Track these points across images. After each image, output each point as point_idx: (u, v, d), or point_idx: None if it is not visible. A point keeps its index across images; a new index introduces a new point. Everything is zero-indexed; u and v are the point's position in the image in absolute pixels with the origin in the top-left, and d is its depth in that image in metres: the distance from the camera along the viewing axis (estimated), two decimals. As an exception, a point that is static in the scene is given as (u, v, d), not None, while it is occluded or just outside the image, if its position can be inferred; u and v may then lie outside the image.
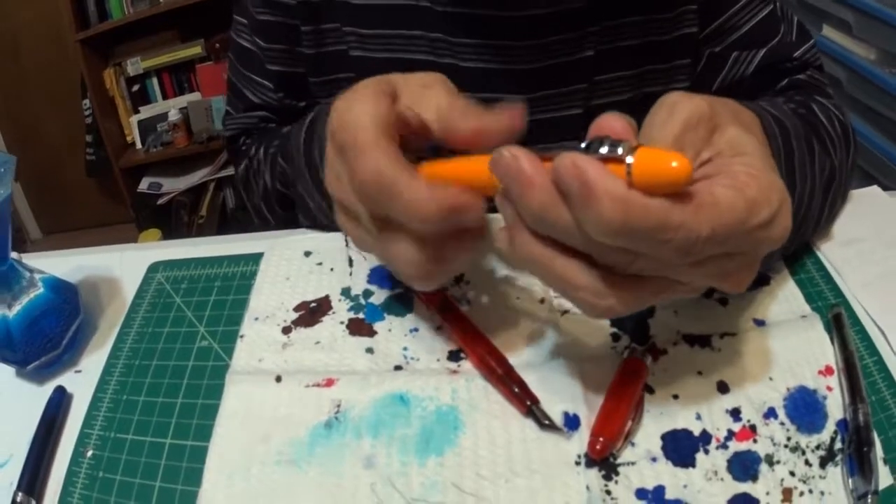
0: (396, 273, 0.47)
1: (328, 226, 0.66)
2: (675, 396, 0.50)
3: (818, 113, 0.66)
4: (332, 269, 0.62)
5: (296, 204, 0.70)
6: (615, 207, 0.34)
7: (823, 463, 0.46)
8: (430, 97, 0.47)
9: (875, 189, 0.69)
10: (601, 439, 0.46)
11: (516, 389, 0.49)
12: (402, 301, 0.59)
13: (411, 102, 0.47)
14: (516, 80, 0.73)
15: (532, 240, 0.40)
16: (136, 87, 2.82)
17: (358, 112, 0.44)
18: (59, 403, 0.55)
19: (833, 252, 0.61)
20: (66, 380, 0.58)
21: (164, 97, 2.88)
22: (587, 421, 0.48)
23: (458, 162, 0.44)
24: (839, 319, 0.54)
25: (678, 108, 0.40)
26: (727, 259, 0.39)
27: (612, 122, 0.39)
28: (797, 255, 0.60)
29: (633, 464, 0.46)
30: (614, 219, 0.34)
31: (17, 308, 0.57)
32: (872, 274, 0.59)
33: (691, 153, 0.40)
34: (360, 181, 0.42)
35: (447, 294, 0.57)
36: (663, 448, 0.47)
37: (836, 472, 0.45)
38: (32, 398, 0.56)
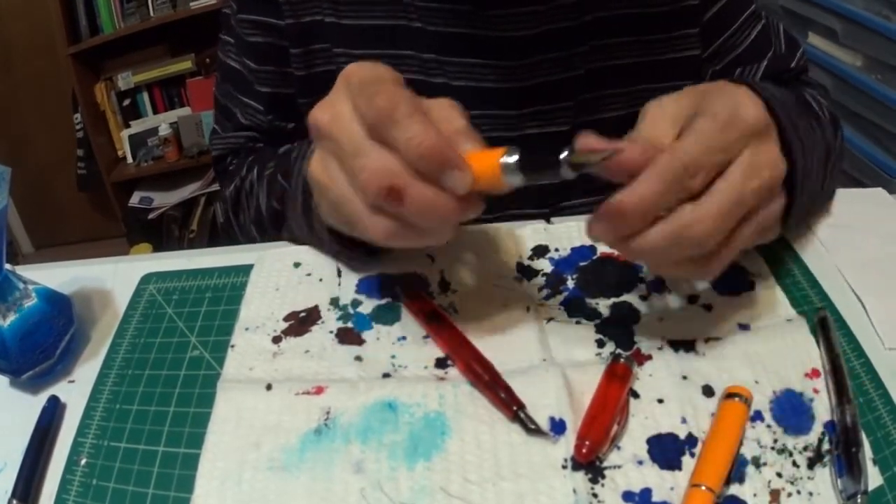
0: (351, 215, 0.49)
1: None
2: (661, 401, 0.50)
3: (808, 99, 0.69)
4: (320, 280, 0.63)
5: (284, 225, 0.70)
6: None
7: (811, 464, 0.46)
8: (448, 110, 0.49)
9: (879, 191, 0.71)
10: (587, 443, 0.46)
11: (503, 395, 0.50)
12: (390, 310, 0.59)
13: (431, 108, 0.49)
14: (506, 97, 0.74)
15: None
16: (126, 102, 2.83)
17: (383, 67, 0.48)
18: (52, 412, 0.55)
19: (825, 234, 0.64)
20: (60, 389, 0.58)
21: (155, 112, 2.89)
22: (573, 425, 0.48)
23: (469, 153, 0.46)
24: (825, 322, 0.54)
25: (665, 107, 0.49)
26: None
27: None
28: (782, 260, 0.61)
29: (619, 467, 0.47)
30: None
31: (11, 318, 0.57)
32: (862, 259, 0.60)
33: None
34: (379, 103, 0.45)
35: (434, 305, 0.58)
36: (649, 451, 0.47)
37: (824, 473, 0.46)
38: (26, 407, 0.56)
